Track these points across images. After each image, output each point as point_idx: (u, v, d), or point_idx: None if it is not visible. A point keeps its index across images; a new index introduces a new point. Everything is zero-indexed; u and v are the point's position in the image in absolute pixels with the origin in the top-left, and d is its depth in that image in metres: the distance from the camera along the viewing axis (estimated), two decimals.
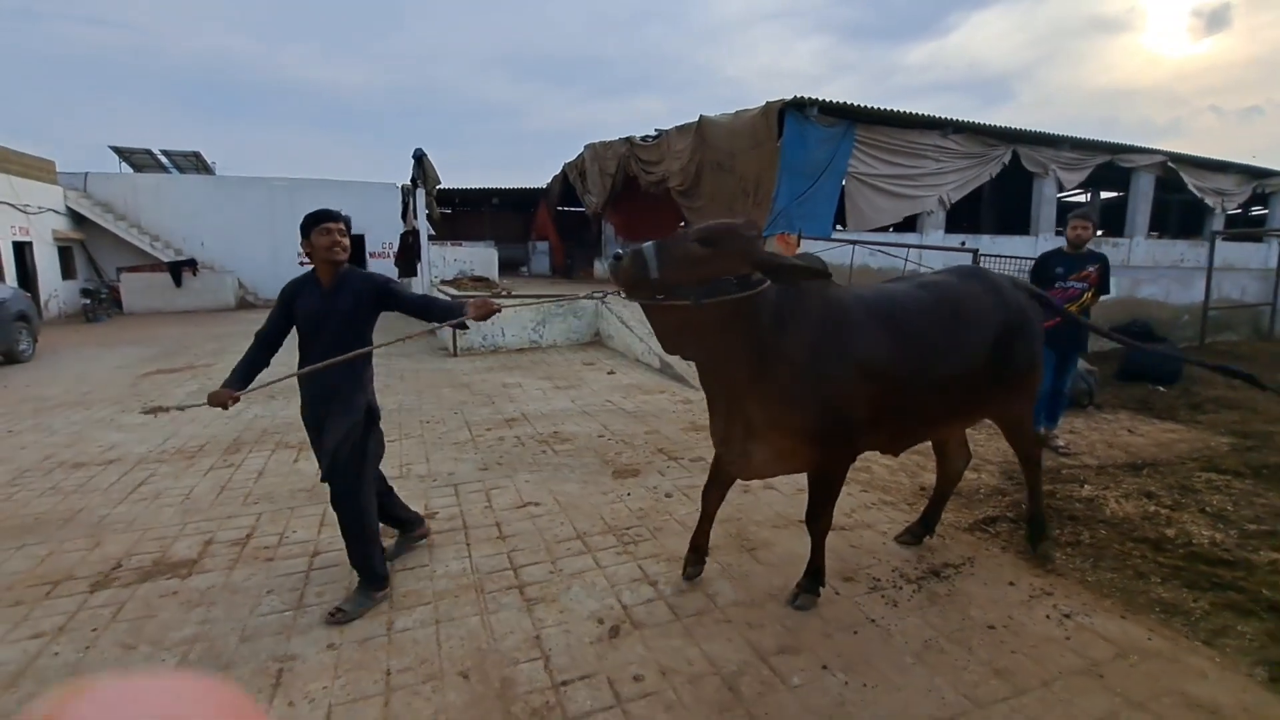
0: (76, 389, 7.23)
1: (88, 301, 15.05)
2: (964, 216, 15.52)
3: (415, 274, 11.74)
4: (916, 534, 3.15)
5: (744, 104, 12.96)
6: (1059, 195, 13.21)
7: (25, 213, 14.40)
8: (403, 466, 4.47)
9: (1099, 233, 12.41)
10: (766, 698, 2.10)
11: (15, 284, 12.30)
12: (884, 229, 11.66)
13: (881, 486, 4.00)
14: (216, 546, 3.30)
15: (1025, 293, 2.81)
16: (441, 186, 22.22)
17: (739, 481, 2.77)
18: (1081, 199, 19.05)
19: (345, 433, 2.64)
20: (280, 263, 18.97)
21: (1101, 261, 4.56)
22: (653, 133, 14.78)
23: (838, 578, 2.86)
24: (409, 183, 11.93)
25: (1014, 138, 12.26)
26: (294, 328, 2.83)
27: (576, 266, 19.38)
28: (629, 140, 15.48)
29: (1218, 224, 15.04)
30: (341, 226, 2.74)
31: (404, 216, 12.26)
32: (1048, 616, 2.56)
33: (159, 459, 4.75)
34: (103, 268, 17.50)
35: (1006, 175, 12.83)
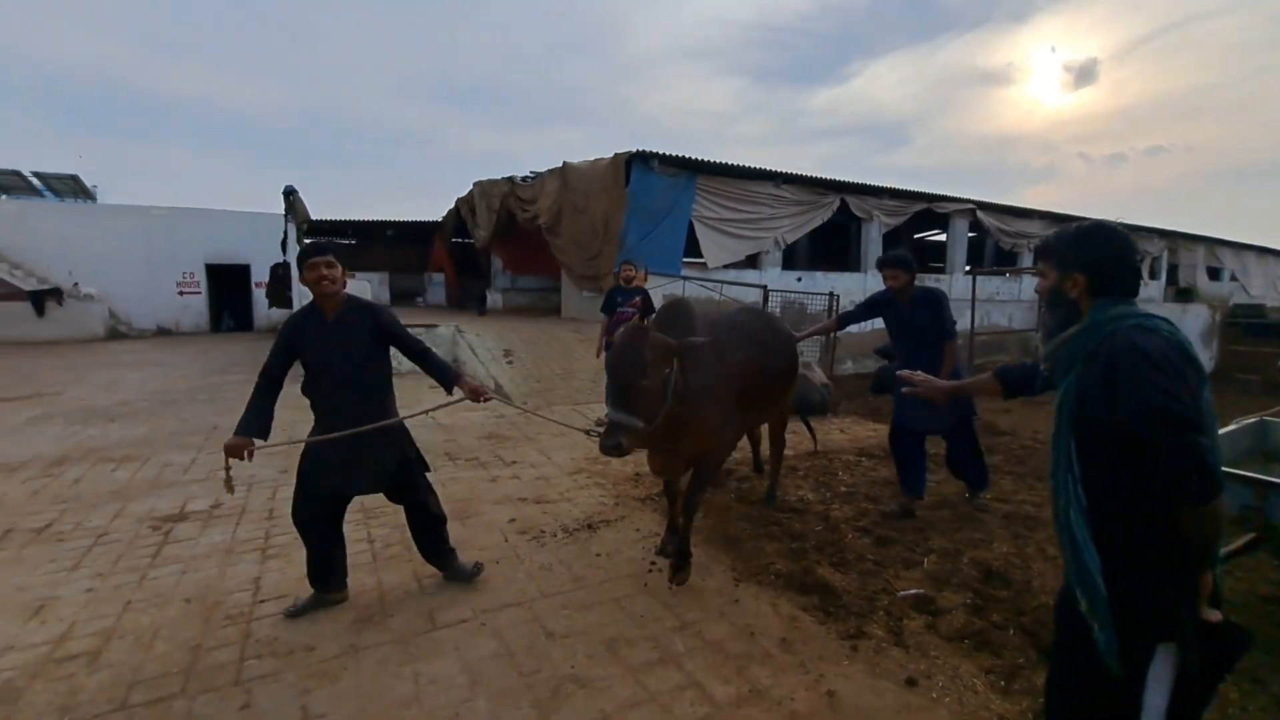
0: None
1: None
2: (801, 254, 17.37)
3: (288, 305, 12.13)
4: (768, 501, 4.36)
5: (663, 139, 14.33)
6: (884, 235, 15.14)
7: None
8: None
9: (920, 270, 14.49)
10: None
11: None
12: (735, 264, 13.11)
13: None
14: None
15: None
16: (340, 218, 22.49)
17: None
18: (940, 238, 21.42)
19: (393, 456, 2.94)
20: (158, 292, 18.64)
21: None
22: (530, 174, 15.86)
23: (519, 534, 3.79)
24: (285, 216, 12.38)
25: (841, 188, 14.12)
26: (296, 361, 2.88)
27: (469, 298, 19.99)
28: (510, 179, 16.50)
29: (1026, 261, 17.64)
30: (330, 260, 2.80)
31: (284, 247, 12.64)
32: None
33: None
34: None
35: (837, 219, 14.67)
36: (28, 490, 4.72)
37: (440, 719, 2.27)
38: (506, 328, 11.69)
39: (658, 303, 5.30)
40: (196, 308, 19.24)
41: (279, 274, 11.71)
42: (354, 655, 2.64)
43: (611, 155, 11.91)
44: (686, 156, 11.97)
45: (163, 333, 18.52)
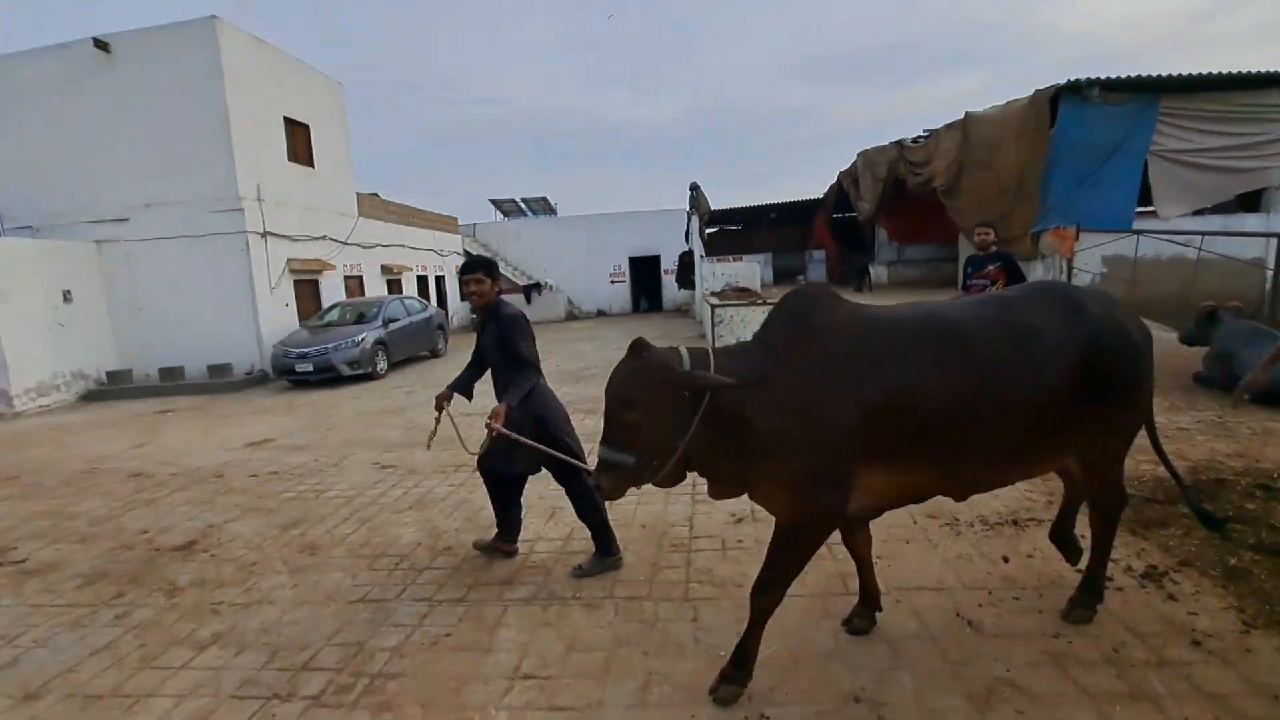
0: None
1: (474, 316, 20.93)
2: None
3: (692, 286, 13.82)
4: (1071, 549, 2.83)
5: (1096, 63, 12.08)
6: None
7: (441, 255, 20.66)
8: None
9: None
10: None
11: (435, 304, 17.94)
12: (1201, 212, 9.85)
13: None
14: None
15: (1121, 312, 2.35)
16: (728, 207, 24.61)
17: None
18: None
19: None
20: (597, 282, 23.30)
21: (1004, 260, 5.06)
22: (923, 133, 14.60)
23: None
24: (689, 211, 14.09)
25: None
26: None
27: (850, 274, 19.62)
28: (899, 143, 15.49)
29: None
30: (478, 276, 3.24)
31: (686, 237, 14.48)
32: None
33: None
34: None
35: None
36: None
37: (862, 680, 2.32)
38: (891, 302, 11.09)
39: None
40: (622, 293, 23.47)
41: (685, 261, 13.39)
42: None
43: (1030, 94, 10.09)
44: (1143, 75, 9.37)
45: (600, 314, 23.16)
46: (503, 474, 3.37)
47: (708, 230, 14.00)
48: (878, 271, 18.71)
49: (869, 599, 2.61)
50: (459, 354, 13.81)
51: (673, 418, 2.11)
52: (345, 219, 15.25)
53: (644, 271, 23.19)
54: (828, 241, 22.09)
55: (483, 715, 2.27)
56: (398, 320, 12.17)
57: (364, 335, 10.98)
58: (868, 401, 2.05)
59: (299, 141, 13.94)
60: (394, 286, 17.13)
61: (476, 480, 4.62)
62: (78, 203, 12.37)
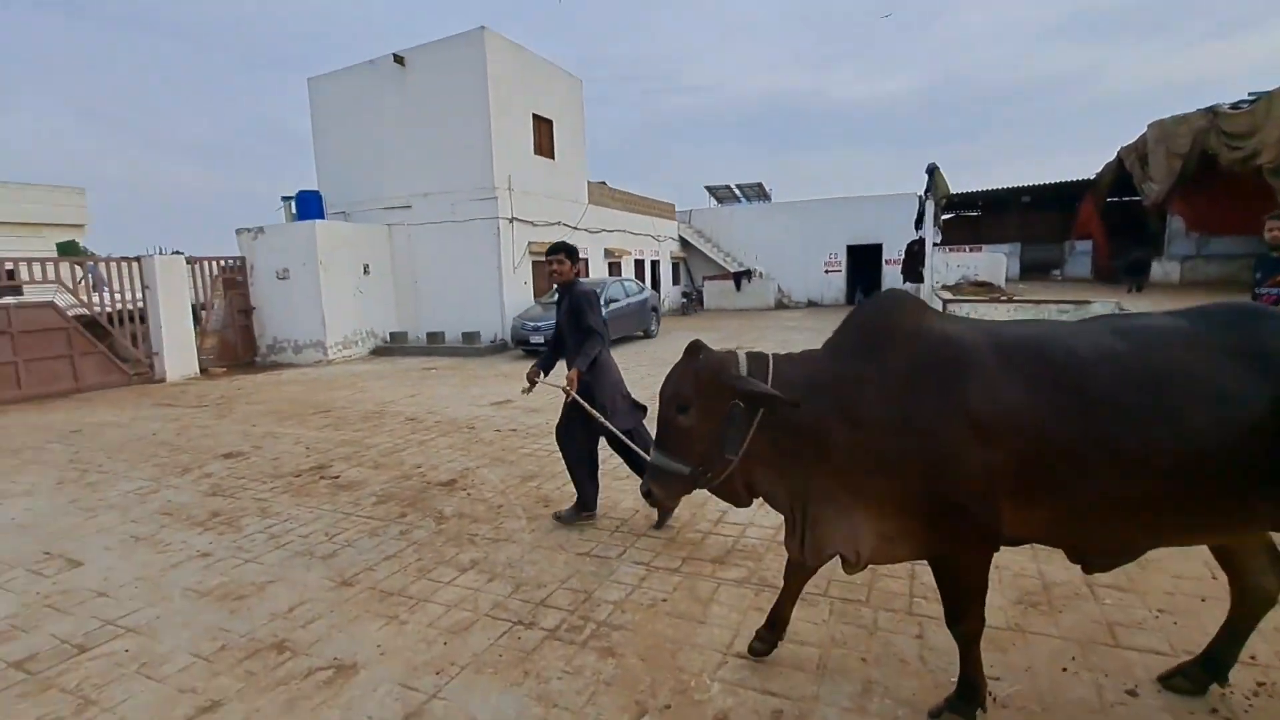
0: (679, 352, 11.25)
1: (685, 300, 21.57)
2: None
3: (920, 279, 12.70)
4: (1194, 678, 2.19)
5: None
6: None
7: (657, 241, 21.53)
8: None
9: None
10: None
11: (649, 287, 18.79)
12: None
13: None
14: None
15: None
16: (969, 190, 22.08)
17: None
18: None
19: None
20: (810, 271, 22.51)
21: None
22: (1249, 96, 11.67)
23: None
24: (922, 194, 12.93)
25: None
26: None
27: (1123, 270, 16.47)
28: (1212, 110, 12.59)
29: None
30: (559, 257, 3.75)
31: (917, 225, 13.31)
32: None
33: None
34: (695, 277, 24.43)
35: None
36: None
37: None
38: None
39: None
40: (836, 284, 22.39)
41: (913, 250, 12.33)
42: (1021, 636, 2.57)
43: None
44: None
45: (811, 305, 22.39)
46: (573, 440, 3.82)
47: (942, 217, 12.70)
48: (1166, 268, 15.46)
49: (776, 623, 2.46)
50: (670, 336, 14.34)
51: (727, 426, 1.99)
52: (576, 206, 16.59)
53: (862, 261, 21.84)
54: (1096, 230, 18.75)
55: (698, 681, 2.35)
56: (618, 301, 12.97)
57: None
58: (977, 417, 1.78)
59: (543, 135, 15.43)
60: (614, 269, 18.27)
61: None
62: (375, 191, 15.07)
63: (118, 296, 10.77)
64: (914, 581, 3.02)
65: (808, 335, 13.34)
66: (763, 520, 3.82)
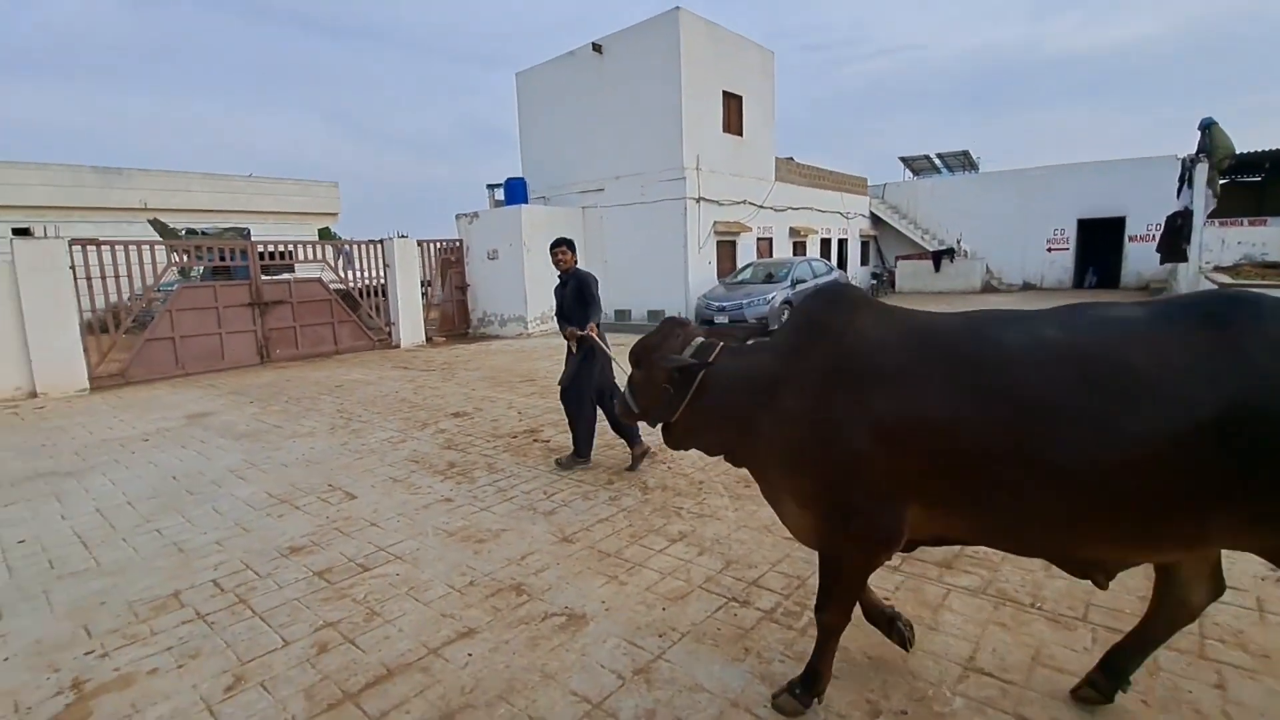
0: None
1: (874, 282, 20.21)
2: None
3: (1182, 258, 10.60)
4: (1099, 687, 2.05)
5: None
6: None
7: (846, 219, 20.35)
8: None
9: None
10: None
11: (837, 268, 17.86)
12: None
13: None
14: None
15: None
16: (1253, 149, 17.85)
17: None
18: None
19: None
20: (1027, 249, 19.88)
21: None
22: None
23: None
24: (1190, 155, 10.73)
25: None
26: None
27: None
28: None
29: None
30: (563, 249, 4.67)
31: (1180, 192, 11.07)
32: None
33: None
34: (886, 256, 22.77)
35: None
36: None
37: None
38: None
39: None
40: (1062, 263, 19.55)
41: (1176, 224, 10.30)
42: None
43: None
44: None
45: (1027, 287, 19.81)
46: (575, 394, 4.62)
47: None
48: None
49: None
50: None
51: (663, 392, 2.25)
52: (763, 184, 16.21)
53: (1097, 237, 18.76)
54: None
55: (936, 691, 2.18)
56: (805, 281, 12.51)
57: (774, 294, 11.62)
58: (882, 422, 1.75)
59: (732, 112, 15.23)
60: (798, 249, 17.64)
61: None
62: (572, 176, 15.98)
63: (362, 274, 12.64)
64: (1205, 621, 2.52)
65: None
66: None
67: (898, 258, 21.54)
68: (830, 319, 1.96)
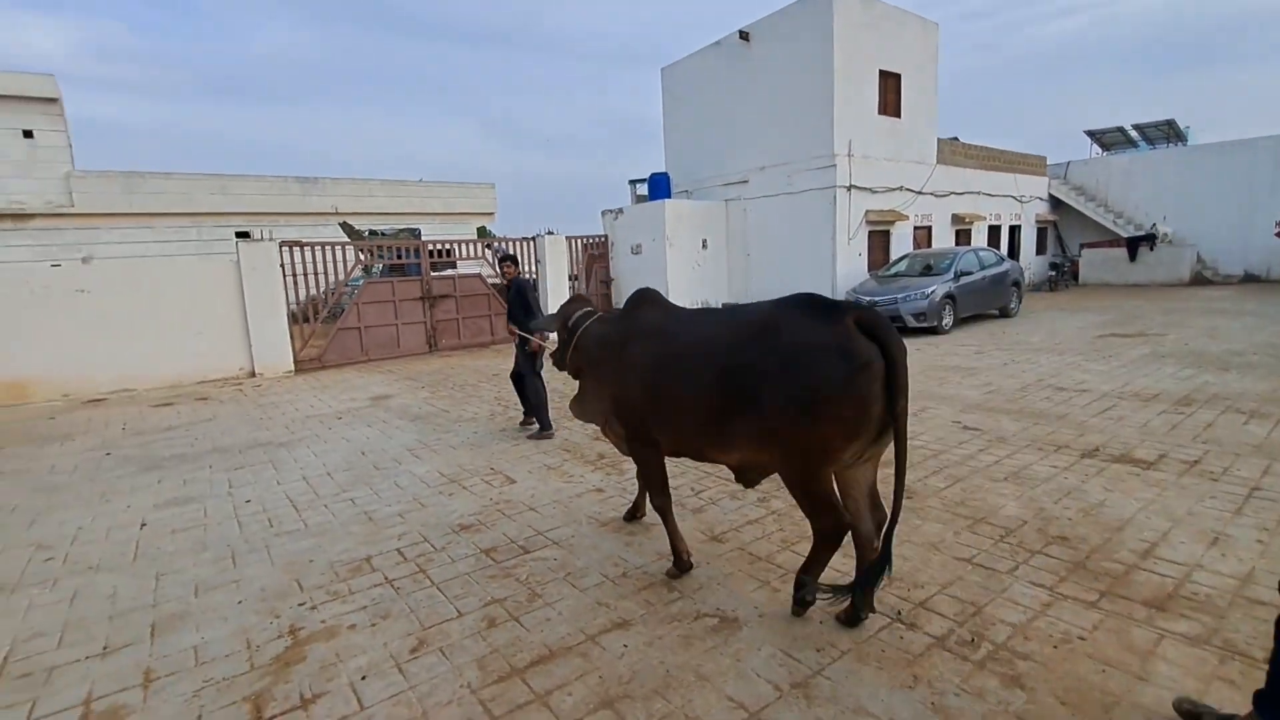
0: (1050, 339, 9.45)
1: (1052, 273, 18.02)
2: None
3: None
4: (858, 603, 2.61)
5: None
6: None
7: (1020, 202, 18.34)
8: None
9: None
10: None
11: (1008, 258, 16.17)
12: None
13: None
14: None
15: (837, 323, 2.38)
16: None
17: None
18: None
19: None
20: (1251, 234, 16.76)
21: None
22: None
23: None
24: None
25: None
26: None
27: None
28: None
29: None
30: (509, 265, 6.10)
31: None
32: None
33: (1119, 396, 6.00)
34: (1067, 244, 20.25)
35: None
36: (1166, 422, 5.12)
37: None
38: None
39: None
40: None
41: None
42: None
43: None
44: None
45: (1249, 279, 16.73)
46: (532, 383, 5.91)
47: None
48: None
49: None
50: (1032, 317, 12.20)
51: (562, 339, 3.69)
52: (922, 168, 15.06)
53: None
54: None
55: None
56: (970, 274, 11.45)
57: (934, 288, 10.75)
58: (627, 373, 3.06)
59: (889, 92, 14.27)
60: (961, 238, 16.21)
61: (1085, 466, 4.07)
62: (715, 169, 15.85)
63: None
64: None
65: (1244, 323, 9.97)
66: (1217, 564, 2.92)
67: (1082, 245, 19.06)
68: (630, 307, 3.24)
